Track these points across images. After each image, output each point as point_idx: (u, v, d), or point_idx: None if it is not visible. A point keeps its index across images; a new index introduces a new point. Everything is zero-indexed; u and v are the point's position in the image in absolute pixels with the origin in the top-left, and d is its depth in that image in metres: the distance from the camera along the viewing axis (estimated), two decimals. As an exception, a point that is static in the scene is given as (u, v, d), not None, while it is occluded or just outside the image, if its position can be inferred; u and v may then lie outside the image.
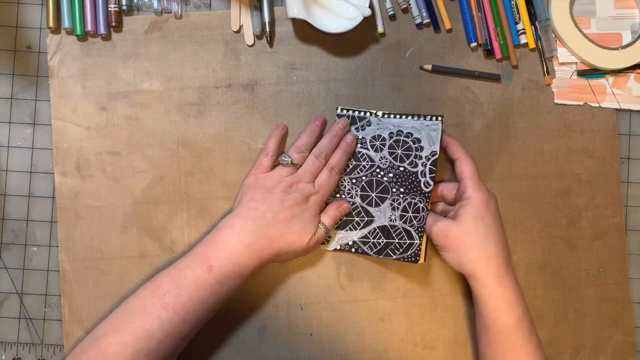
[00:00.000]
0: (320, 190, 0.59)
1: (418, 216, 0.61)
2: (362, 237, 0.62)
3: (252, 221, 0.56)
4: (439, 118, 0.63)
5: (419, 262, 0.61)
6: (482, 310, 0.57)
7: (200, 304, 0.54)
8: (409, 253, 0.61)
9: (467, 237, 0.57)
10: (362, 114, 0.63)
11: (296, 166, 0.59)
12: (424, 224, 0.61)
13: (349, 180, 0.62)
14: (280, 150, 0.62)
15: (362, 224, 0.62)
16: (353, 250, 0.62)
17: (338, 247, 0.62)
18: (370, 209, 0.62)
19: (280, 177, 0.58)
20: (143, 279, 0.61)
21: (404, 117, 0.63)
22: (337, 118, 0.63)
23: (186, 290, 0.53)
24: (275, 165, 0.61)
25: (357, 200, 0.62)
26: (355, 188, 0.62)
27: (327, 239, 0.62)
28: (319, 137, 0.62)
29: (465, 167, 0.59)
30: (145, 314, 0.52)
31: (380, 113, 0.63)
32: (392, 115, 0.63)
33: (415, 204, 0.61)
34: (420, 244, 0.61)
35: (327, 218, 0.60)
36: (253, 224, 0.56)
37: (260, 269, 0.57)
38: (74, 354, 0.52)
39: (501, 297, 0.56)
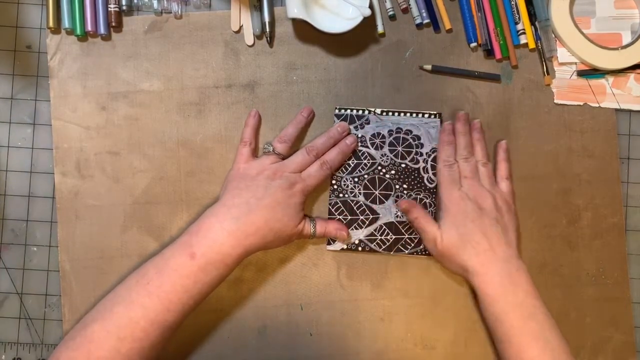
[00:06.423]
0: (307, 180, 0.58)
1: (427, 211, 0.61)
2: (369, 235, 0.62)
3: (235, 208, 0.56)
4: (437, 116, 0.63)
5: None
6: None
7: (183, 292, 0.54)
8: (422, 247, 0.61)
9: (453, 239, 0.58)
10: (360, 112, 0.63)
11: (279, 155, 0.59)
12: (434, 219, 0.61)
13: (351, 179, 0.62)
14: (258, 137, 0.62)
15: (367, 222, 0.62)
16: (360, 249, 0.62)
17: (345, 247, 0.62)
18: (374, 206, 0.62)
19: (264, 165, 0.58)
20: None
21: (402, 114, 0.63)
22: (335, 118, 0.63)
23: (170, 279, 0.53)
24: (257, 155, 0.61)
25: (361, 198, 0.62)
26: (358, 187, 0.62)
27: (331, 240, 0.62)
28: (305, 129, 0.62)
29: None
30: (129, 302, 0.53)
31: (378, 110, 0.63)
32: (390, 113, 0.63)
33: (422, 199, 0.62)
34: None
35: (322, 225, 0.60)
36: (236, 211, 0.55)
37: (245, 257, 0.56)
38: (64, 340, 0.53)
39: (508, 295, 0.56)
